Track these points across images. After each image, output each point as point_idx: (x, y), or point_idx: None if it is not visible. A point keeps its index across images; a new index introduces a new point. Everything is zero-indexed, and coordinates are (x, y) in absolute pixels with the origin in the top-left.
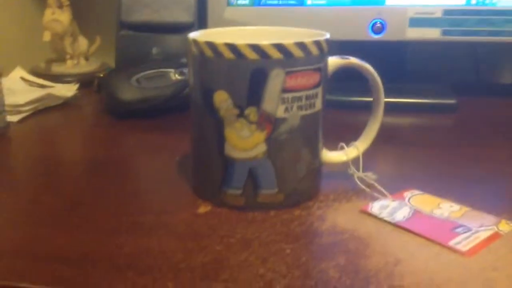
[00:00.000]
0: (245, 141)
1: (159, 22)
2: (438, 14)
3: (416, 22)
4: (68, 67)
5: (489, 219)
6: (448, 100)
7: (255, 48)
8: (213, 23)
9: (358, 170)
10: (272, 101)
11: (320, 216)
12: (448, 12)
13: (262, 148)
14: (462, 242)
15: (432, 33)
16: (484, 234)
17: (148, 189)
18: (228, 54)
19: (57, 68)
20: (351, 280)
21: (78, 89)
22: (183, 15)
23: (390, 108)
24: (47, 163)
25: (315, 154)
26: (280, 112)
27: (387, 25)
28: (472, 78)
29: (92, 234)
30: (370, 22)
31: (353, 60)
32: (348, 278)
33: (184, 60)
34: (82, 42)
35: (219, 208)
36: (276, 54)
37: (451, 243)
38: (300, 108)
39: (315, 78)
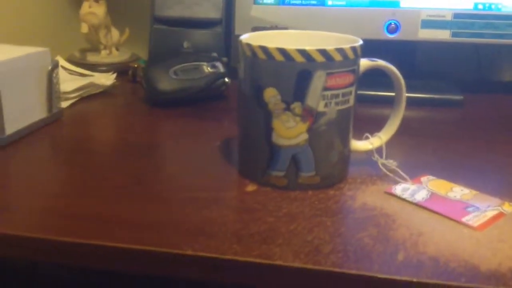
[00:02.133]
0: (290, 131)
1: (190, 18)
2: (448, 17)
3: (428, 23)
4: (102, 56)
5: (495, 201)
6: (455, 96)
7: (302, 52)
8: (240, 20)
9: (381, 157)
10: (315, 97)
11: (351, 196)
12: (457, 15)
13: (304, 137)
14: (473, 219)
15: (443, 34)
16: (491, 213)
17: (197, 169)
18: (278, 57)
19: (91, 58)
20: (383, 247)
21: (115, 78)
22: (212, 12)
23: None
24: (103, 145)
25: (346, 143)
26: (321, 107)
27: (401, 25)
28: (475, 76)
29: (159, 205)
30: (386, 23)
31: (381, 62)
32: (381, 245)
33: (214, 54)
34: (115, 34)
35: (264, 188)
36: (319, 58)
37: (464, 219)
38: (337, 103)
39: (350, 78)
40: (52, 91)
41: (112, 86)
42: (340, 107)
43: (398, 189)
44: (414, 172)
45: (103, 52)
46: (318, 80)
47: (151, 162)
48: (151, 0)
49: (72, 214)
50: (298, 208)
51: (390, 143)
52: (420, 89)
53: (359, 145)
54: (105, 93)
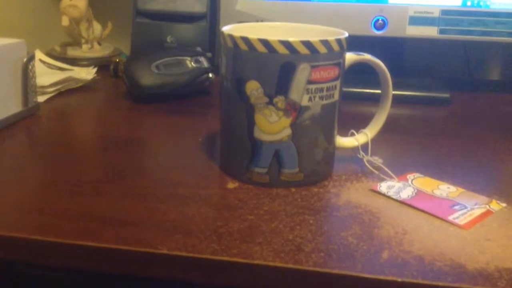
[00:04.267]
0: (272, 126)
1: (173, 11)
2: (436, 14)
3: (415, 20)
4: (84, 51)
5: (482, 199)
6: (442, 94)
7: (286, 44)
8: (225, 15)
9: (367, 154)
10: (298, 91)
11: (335, 194)
12: (445, 12)
13: (287, 132)
14: (460, 217)
15: (430, 31)
16: (478, 211)
17: (178, 165)
18: (261, 48)
19: (72, 52)
20: (367, 246)
21: (96, 72)
22: (197, 6)
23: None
24: (81, 140)
25: (331, 139)
26: (305, 101)
27: (388, 22)
28: (464, 74)
29: (138, 202)
30: (373, 19)
31: (367, 56)
32: (365, 244)
33: (198, 48)
34: (96, 28)
35: (246, 185)
36: (303, 50)
37: (450, 217)
38: (321, 98)
39: (335, 71)
40: (27, 84)
41: (93, 81)
42: (324, 102)
43: (383, 186)
44: (400, 170)
45: (85, 46)
46: (302, 73)
47: (131, 157)
48: None
49: (48, 211)
50: (280, 205)
51: (376, 140)
52: (407, 87)
53: (344, 141)
54: (86, 87)
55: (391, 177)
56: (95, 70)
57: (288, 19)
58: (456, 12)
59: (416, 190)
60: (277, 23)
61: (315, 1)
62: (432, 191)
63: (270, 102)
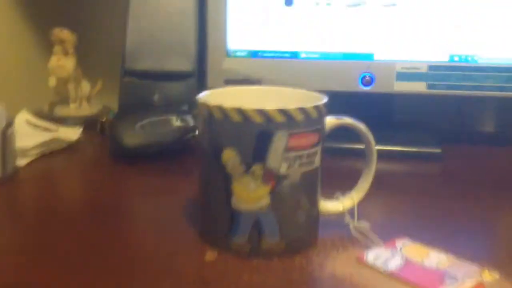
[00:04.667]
0: (251, 195)
1: (161, 71)
2: (424, 69)
3: (403, 76)
4: (72, 110)
5: (473, 269)
6: (433, 149)
7: (261, 112)
8: (212, 73)
9: (353, 218)
10: (276, 159)
11: (319, 264)
12: (433, 67)
13: (266, 200)
14: None
15: (418, 87)
16: (469, 284)
17: (156, 234)
18: (236, 117)
19: (60, 111)
20: None
21: (82, 132)
22: (184, 64)
23: (378, 155)
24: (59, 206)
25: (314, 205)
26: (283, 169)
27: (375, 78)
28: (456, 127)
29: (109, 276)
30: (360, 75)
31: (347, 120)
32: None
33: (185, 107)
34: (85, 86)
35: (226, 255)
36: (280, 118)
37: None
38: (301, 165)
39: (314, 138)
40: (5, 149)
41: (79, 141)
42: (304, 169)
43: (370, 256)
44: (389, 234)
45: (73, 106)
46: (279, 141)
47: (107, 226)
48: (122, 52)
49: (18, 283)
50: (260, 278)
51: (364, 201)
52: (396, 142)
53: (329, 206)
54: (71, 148)
55: (378, 244)
56: (80, 130)
57: (275, 76)
58: (444, 67)
59: (405, 260)
60: (256, 87)
61: (302, 59)
62: (422, 260)
63: (247, 171)
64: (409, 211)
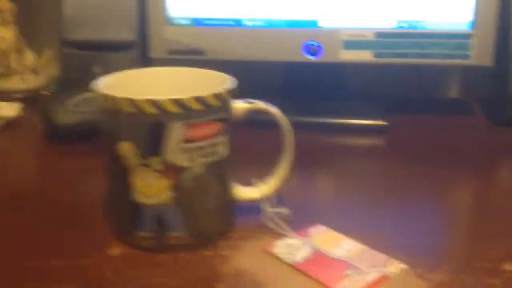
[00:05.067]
0: (151, 188)
1: (101, 40)
2: (371, 37)
3: (349, 44)
4: (15, 82)
5: (380, 259)
6: (379, 122)
7: (154, 103)
8: (154, 42)
9: (272, 205)
10: (173, 151)
11: (225, 258)
12: (380, 35)
13: (168, 194)
14: (349, 285)
15: (366, 55)
16: (371, 277)
17: (67, 226)
18: (128, 108)
19: (3, 84)
20: None
21: (23, 107)
22: (126, 34)
23: (318, 128)
24: None
25: (224, 195)
26: (183, 162)
27: (321, 47)
28: (416, 94)
29: (6, 278)
30: (305, 44)
31: (260, 104)
32: None
33: None
34: (29, 57)
35: (132, 250)
36: (173, 108)
37: (338, 286)
38: (203, 156)
39: (217, 127)
40: None
41: (19, 117)
42: (207, 160)
43: (279, 246)
44: (307, 220)
45: (15, 78)
46: (175, 132)
47: (19, 217)
48: (59, 21)
49: None
50: (160, 277)
51: (291, 183)
52: (342, 114)
53: (244, 193)
54: (10, 124)
55: (289, 233)
56: (19, 105)
57: (218, 45)
58: (391, 34)
59: (313, 250)
60: (168, 69)
61: (246, 27)
62: (332, 249)
63: (145, 164)
64: (336, 194)
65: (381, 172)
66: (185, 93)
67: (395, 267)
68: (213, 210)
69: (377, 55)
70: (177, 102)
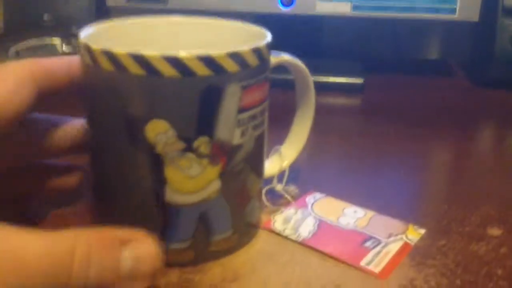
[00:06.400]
0: (194, 181)
1: None
2: None
3: None
4: None
5: (397, 226)
6: (355, 80)
7: (207, 60)
8: None
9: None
10: (228, 125)
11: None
12: None
13: (215, 186)
14: (374, 260)
15: (343, 8)
16: (394, 247)
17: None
18: (168, 71)
19: None
20: None
21: None
22: None
23: (291, 86)
24: None
25: (261, 177)
26: (237, 138)
27: None
28: (394, 54)
29: None
30: None
31: (286, 57)
32: None
33: (74, 29)
34: None
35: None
36: (232, 66)
37: (363, 263)
38: (254, 128)
39: (266, 89)
40: None
41: None
42: (257, 132)
43: (278, 221)
44: (302, 188)
45: None
46: (232, 99)
47: None
48: None
49: None
50: None
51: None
52: (317, 71)
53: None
54: None
55: (287, 203)
56: None
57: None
58: None
59: (318, 221)
60: (168, 17)
61: None
62: (338, 219)
63: (189, 148)
64: (324, 157)
65: (359, 131)
66: (208, 48)
67: (413, 232)
68: (257, 195)
69: (355, 8)
70: (236, 57)
